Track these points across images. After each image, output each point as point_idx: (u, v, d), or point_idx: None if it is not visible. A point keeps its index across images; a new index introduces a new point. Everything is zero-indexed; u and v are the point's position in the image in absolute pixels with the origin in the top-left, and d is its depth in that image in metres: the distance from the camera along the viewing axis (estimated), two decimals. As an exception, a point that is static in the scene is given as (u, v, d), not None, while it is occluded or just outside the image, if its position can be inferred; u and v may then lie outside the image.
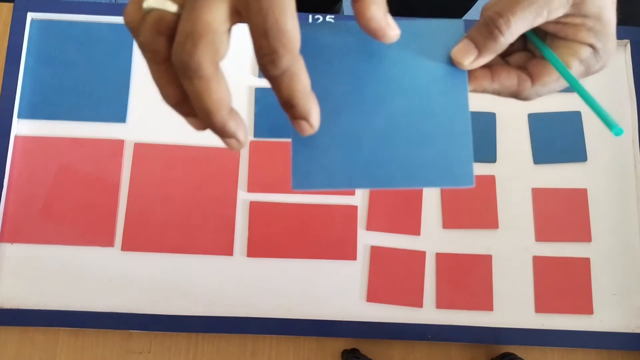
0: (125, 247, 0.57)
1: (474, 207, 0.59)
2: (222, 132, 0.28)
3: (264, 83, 0.62)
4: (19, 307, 0.56)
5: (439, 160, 0.31)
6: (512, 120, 0.61)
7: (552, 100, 0.62)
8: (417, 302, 0.57)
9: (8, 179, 0.58)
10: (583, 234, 0.59)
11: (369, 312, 0.57)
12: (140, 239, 0.58)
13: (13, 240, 0.57)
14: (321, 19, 0.62)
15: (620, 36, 0.63)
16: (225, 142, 0.29)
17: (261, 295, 0.57)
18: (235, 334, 0.56)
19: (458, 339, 0.55)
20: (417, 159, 0.31)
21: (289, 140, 0.63)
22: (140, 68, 0.62)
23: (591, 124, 0.61)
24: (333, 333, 0.55)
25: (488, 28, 0.31)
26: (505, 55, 0.35)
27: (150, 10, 0.26)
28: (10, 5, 0.64)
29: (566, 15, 0.32)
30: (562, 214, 0.59)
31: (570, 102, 0.62)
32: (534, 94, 0.34)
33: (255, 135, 0.60)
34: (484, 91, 0.34)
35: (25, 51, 0.61)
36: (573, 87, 0.32)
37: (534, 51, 0.35)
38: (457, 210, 0.59)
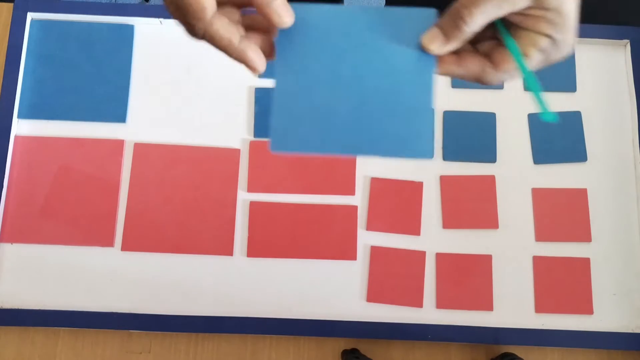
0: (125, 247, 0.57)
1: (474, 207, 0.59)
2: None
3: (264, 83, 0.62)
4: (19, 307, 0.56)
5: (402, 133, 0.35)
6: (512, 120, 0.61)
7: (552, 100, 0.62)
8: (417, 302, 0.57)
9: (8, 179, 0.58)
10: (583, 234, 0.59)
11: (369, 312, 0.57)
12: (140, 239, 0.58)
13: (13, 240, 0.57)
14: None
15: (620, 36, 0.63)
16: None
17: (261, 295, 0.57)
18: (235, 334, 0.56)
19: (458, 339, 0.55)
20: (384, 131, 0.35)
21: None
22: (140, 68, 0.62)
23: (591, 124, 0.61)
24: (333, 333, 0.55)
25: (454, 19, 0.34)
26: (476, 43, 0.38)
27: None
28: (10, 5, 0.64)
29: (528, 8, 0.34)
30: (562, 214, 0.59)
31: (570, 102, 0.62)
32: (496, 80, 0.37)
33: (255, 135, 0.60)
34: (451, 75, 0.37)
35: (25, 51, 0.61)
36: (522, 73, 0.35)
37: (501, 40, 0.37)
38: (457, 210, 0.59)
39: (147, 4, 1.08)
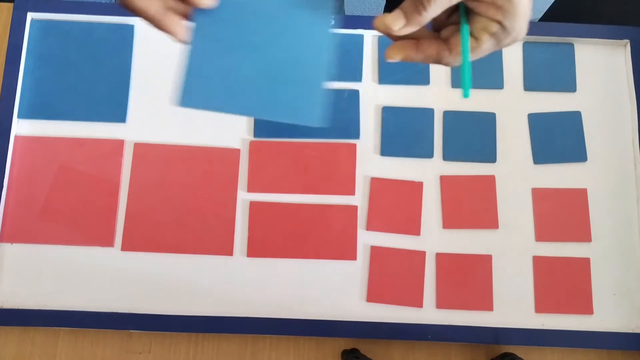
0: (125, 247, 0.57)
1: (474, 207, 0.59)
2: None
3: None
4: (19, 307, 0.56)
5: (296, 100, 0.39)
6: (512, 120, 0.61)
7: (552, 100, 0.62)
8: (417, 302, 0.57)
9: (8, 179, 0.58)
10: (583, 234, 0.59)
11: (369, 312, 0.57)
12: (140, 239, 0.58)
13: (13, 240, 0.57)
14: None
15: (620, 36, 0.63)
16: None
17: (261, 295, 0.57)
18: (235, 334, 0.56)
19: (458, 339, 0.55)
20: (280, 97, 0.39)
21: (289, 140, 0.63)
22: (140, 68, 0.62)
23: (591, 124, 0.61)
24: (333, 333, 0.55)
25: (415, 4, 0.38)
26: (441, 28, 0.42)
27: None
28: (10, 5, 0.64)
29: None
30: (562, 214, 0.59)
31: (570, 102, 0.62)
32: (452, 62, 0.41)
33: (255, 135, 0.60)
34: (411, 59, 0.41)
35: (25, 51, 0.61)
36: (462, 49, 0.39)
37: (457, 25, 0.41)
38: (457, 210, 0.59)
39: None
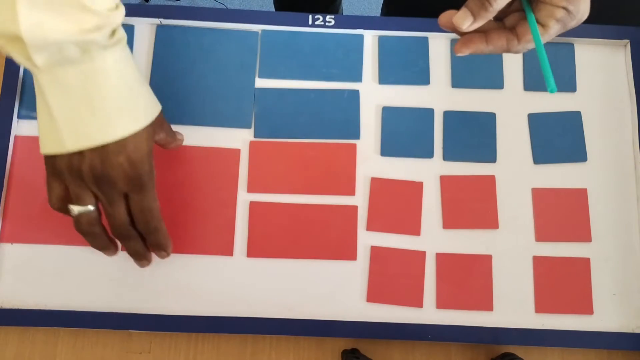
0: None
1: (474, 207, 0.59)
2: (143, 257, 0.52)
3: (265, 83, 0.62)
4: (19, 307, 0.56)
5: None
6: (512, 120, 0.61)
7: (552, 100, 0.62)
8: (417, 302, 0.57)
9: (8, 179, 0.58)
10: (583, 234, 0.59)
11: (369, 312, 0.57)
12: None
13: (13, 240, 0.57)
14: (321, 18, 0.62)
15: (620, 36, 0.63)
16: (156, 253, 0.53)
17: (261, 295, 0.57)
18: (235, 334, 0.56)
19: (458, 339, 0.55)
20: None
21: (289, 140, 0.63)
22: (140, 68, 0.62)
23: (591, 124, 0.61)
24: (333, 333, 0.55)
25: (481, 1, 0.40)
26: (503, 18, 0.44)
27: (79, 215, 0.46)
28: (10, 5, 0.63)
29: None
30: (562, 214, 0.59)
31: (570, 102, 0.62)
32: (521, 49, 0.43)
33: (255, 135, 0.60)
34: (481, 52, 0.43)
35: (25, 51, 0.61)
36: (536, 43, 0.41)
37: (523, 14, 0.43)
38: (457, 210, 0.59)
39: (147, 4, 1.08)
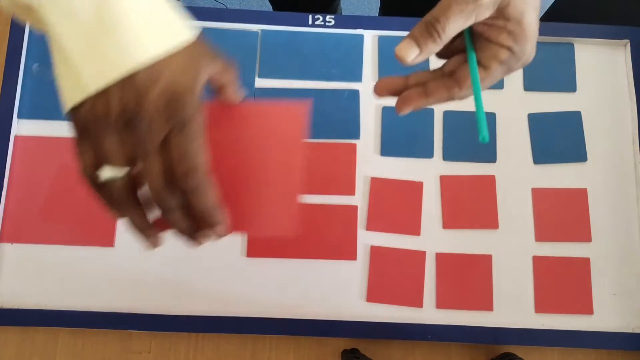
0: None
1: (474, 207, 0.59)
2: (189, 233, 0.37)
3: (265, 83, 0.62)
4: (19, 307, 0.56)
5: None
6: (512, 120, 0.61)
7: (552, 100, 0.62)
8: (417, 302, 0.57)
9: (8, 179, 0.58)
10: (583, 234, 0.59)
11: (369, 312, 0.57)
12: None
13: (13, 240, 0.57)
14: (321, 18, 0.62)
15: (620, 36, 0.63)
16: (206, 236, 0.38)
17: (261, 295, 0.57)
18: (235, 334, 0.56)
19: (458, 339, 0.55)
20: None
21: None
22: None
23: (591, 124, 0.61)
24: (333, 333, 0.55)
25: (428, 30, 0.36)
26: (444, 56, 0.40)
27: (111, 179, 0.35)
28: (10, 5, 0.63)
29: (492, 18, 0.36)
30: (562, 214, 0.59)
31: (570, 102, 0.62)
32: (465, 96, 0.39)
33: (255, 135, 0.60)
34: (423, 106, 0.40)
35: (25, 51, 0.61)
36: (473, 86, 0.37)
37: (464, 54, 0.39)
38: (457, 210, 0.59)
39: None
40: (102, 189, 0.35)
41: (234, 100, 0.42)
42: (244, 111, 0.44)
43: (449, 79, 0.39)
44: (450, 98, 0.39)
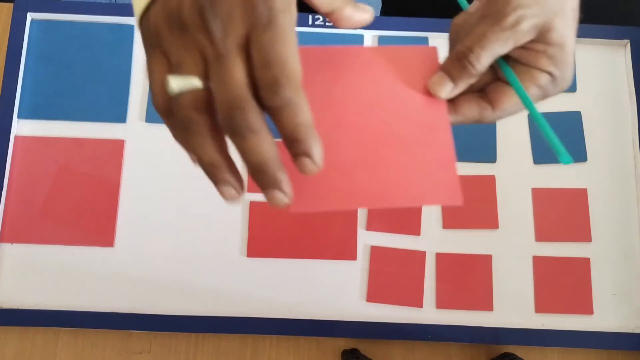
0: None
1: (474, 207, 0.59)
2: (273, 182, 0.29)
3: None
4: (19, 307, 0.56)
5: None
6: (512, 120, 0.61)
7: (552, 100, 0.62)
8: (417, 302, 0.57)
9: (8, 179, 0.58)
10: (583, 234, 0.59)
11: (369, 312, 0.57)
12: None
13: (13, 240, 0.57)
14: (321, 18, 0.62)
15: (620, 36, 0.63)
16: (269, 195, 0.29)
17: (261, 295, 0.57)
18: (235, 334, 0.56)
19: (458, 339, 0.55)
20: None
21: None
22: (140, 68, 0.62)
23: (591, 124, 0.61)
24: (333, 333, 0.55)
25: (461, 62, 0.33)
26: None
27: (180, 94, 0.28)
28: (10, 5, 0.64)
29: (531, 42, 0.33)
30: (562, 214, 0.59)
31: (570, 102, 0.62)
32: (495, 119, 0.35)
33: (255, 135, 0.60)
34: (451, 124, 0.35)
35: (25, 51, 0.61)
36: (531, 114, 0.34)
37: (496, 72, 0.35)
38: (457, 210, 0.59)
39: (147, 4, 1.08)
40: (173, 114, 0.29)
41: (356, 22, 0.33)
42: (363, 55, 0.36)
43: (481, 98, 0.35)
44: (480, 119, 0.35)
